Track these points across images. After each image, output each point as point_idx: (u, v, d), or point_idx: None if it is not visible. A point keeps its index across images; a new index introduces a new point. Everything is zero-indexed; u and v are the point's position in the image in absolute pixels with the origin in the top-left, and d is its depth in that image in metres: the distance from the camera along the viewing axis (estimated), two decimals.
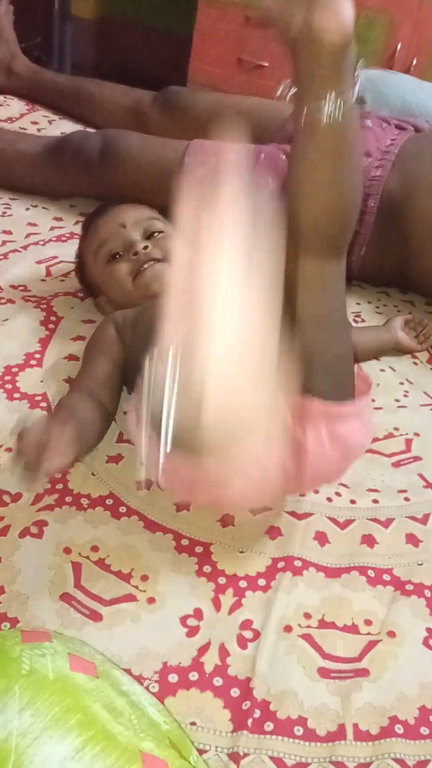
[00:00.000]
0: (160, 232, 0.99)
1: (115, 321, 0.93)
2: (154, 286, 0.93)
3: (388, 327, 1.12)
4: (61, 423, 0.66)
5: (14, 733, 0.38)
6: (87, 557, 0.73)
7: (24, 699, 0.40)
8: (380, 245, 1.22)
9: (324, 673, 0.66)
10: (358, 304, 1.24)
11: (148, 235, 0.98)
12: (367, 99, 1.44)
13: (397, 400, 1.01)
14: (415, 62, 2.26)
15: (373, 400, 0.97)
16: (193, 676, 0.65)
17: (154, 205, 1.27)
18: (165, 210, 1.26)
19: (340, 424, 0.70)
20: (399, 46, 2.27)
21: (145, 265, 0.95)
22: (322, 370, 0.69)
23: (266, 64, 2.48)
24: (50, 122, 1.68)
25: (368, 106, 1.44)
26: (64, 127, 1.66)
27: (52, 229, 1.30)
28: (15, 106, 1.72)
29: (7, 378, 0.93)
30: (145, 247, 0.96)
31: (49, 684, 0.41)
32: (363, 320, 1.20)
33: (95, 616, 0.68)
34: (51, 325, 1.04)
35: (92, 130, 1.51)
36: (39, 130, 1.63)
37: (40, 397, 0.91)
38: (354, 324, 1.18)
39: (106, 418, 0.83)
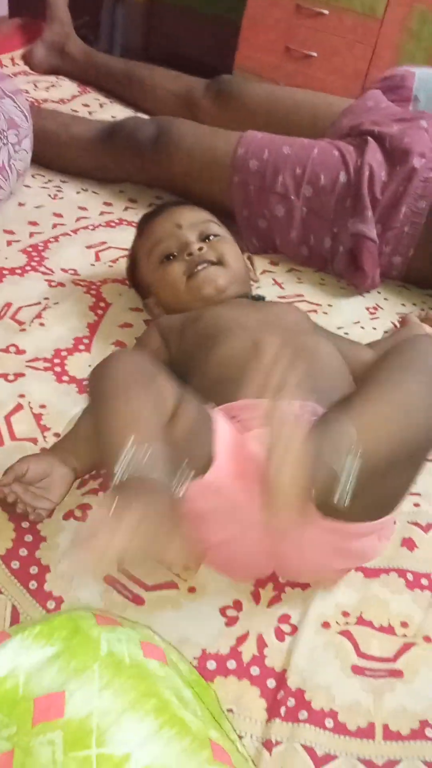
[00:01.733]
0: (215, 235, 0.99)
1: (161, 327, 0.94)
2: (207, 289, 0.93)
3: (413, 326, 1.09)
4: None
5: (95, 712, 0.40)
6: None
7: (103, 679, 0.42)
8: (429, 247, 1.22)
9: (358, 670, 0.67)
10: (403, 305, 1.24)
11: (204, 238, 0.98)
12: (421, 98, 1.43)
13: None
14: None
15: None
16: (231, 664, 0.66)
17: (204, 195, 1.29)
18: (215, 201, 1.27)
19: (351, 542, 0.69)
20: None
21: (199, 267, 0.94)
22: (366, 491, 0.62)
23: (315, 54, 2.46)
24: (101, 105, 1.69)
25: (421, 106, 1.43)
26: (115, 110, 1.67)
27: (101, 213, 1.31)
28: (67, 87, 1.73)
29: (57, 361, 0.95)
30: (200, 249, 0.95)
31: (125, 668, 0.43)
32: None
33: (137, 600, 0.70)
34: (100, 311, 1.06)
35: (144, 116, 1.52)
36: (90, 113, 1.64)
37: (87, 383, 0.92)
38: (398, 325, 1.18)
39: None
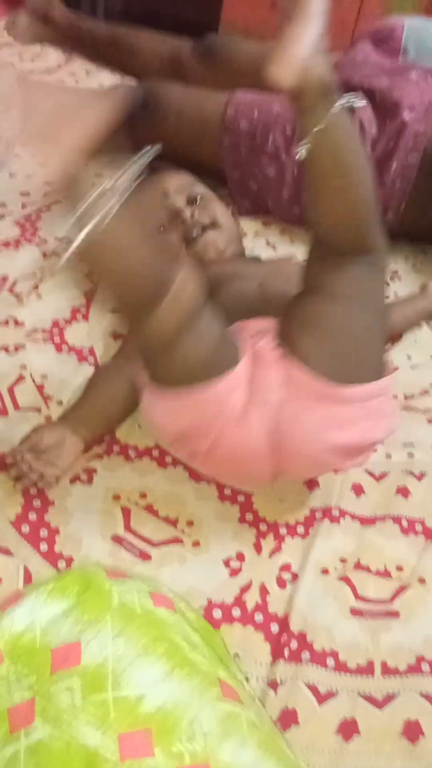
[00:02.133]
0: (202, 195, 0.99)
1: None
2: (209, 253, 0.95)
3: (426, 294, 1.11)
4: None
5: (110, 658, 0.43)
6: (136, 503, 0.77)
7: (116, 628, 0.44)
8: (420, 201, 1.22)
9: (356, 612, 0.71)
10: (395, 262, 1.24)
11: (191, 200, 0.99)
12: (410, 49, 1.41)
13: None
14: None
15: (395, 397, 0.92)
16: (236, 612, 0.70)
17: (195, 159, 1.29)
18: (206, 164, 1.27)
19: (342, 409, 0.68)
20: None
21: (195, 233, 0.95)
22: (328, 345, 0.67)
23: None
24: (87, 73, 1.67)
25: (411, 57, 1.41)
26: (102, 77, 1.65)
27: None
28: (52, 56, 1.71)
29: (55, 331, 0.97)
30: (192, 215, 0.96)
31: (137, 617, 0.46)
32: (399, 278, 1.21)
33: (144, 556, 0.73)
34: (96, 279, 1.07)
35: (131, 82, 1.50)
36: (76, 81, 1.63)
37: (87, 351, 0.94)
38: (390, 282, 1.19)
39: None
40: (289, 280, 0.89)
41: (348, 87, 1.28)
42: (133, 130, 1.33)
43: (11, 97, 1.20)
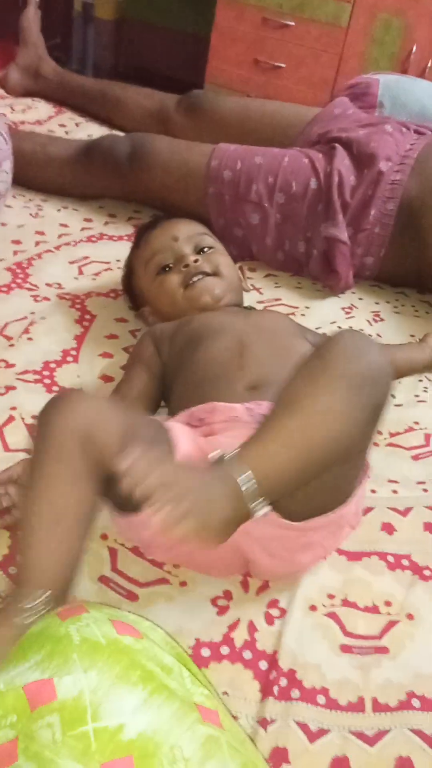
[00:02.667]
0: (210, 247, 1.03)
1: (153, 334, 0.97)
2: (204, 298, 0.97)
3: (423, 346, 1.11)
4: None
5: (85, 690, 0.43)
6: (122, 544, 0.77)
7: (85, 663, 0.44)
8: (399, 247, 1.27)
9: (346, 648, 0.71)
10: (377, 303, 1.28)
11: (199, 250, 1.02)
12: (385, 104, 1.48)
13: (416, 396, 1.06)
14: (429, 65, 2.30)
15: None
16: (224, 650, 0.69)
17: (181, 207, 1.33)
18: (192, 212, 1.32)
19: (309, 536, 0.71)
20: (414, 48, 2.30)
21: (195, 278, 0.98)
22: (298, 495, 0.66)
23: (283, 65, 2.52)
24: (77, 125, 1.74)
25: (387, 111, 1.48)
26: (91, 129, 1.71)
27: (82, 230, 1.35)
28: (42, 108, 1.78)
29: (46, 373, 0.98)
30: (196, 261, 0.99)
31: (103, 648, 0.46)
32: (382, 319, 1.25)
33: (131, 596, 0.73)
34: (86, 323, 1.09)
35: (119, 133, 1.56)
36: (66, 132, 1.69)
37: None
38: (373, 323, 1.23)
39: None
40: (273, 333, 0.92)
41: (326, 139, 1.35)
42: (121, 181, 1.38)
43: (3, 149, 1.25)
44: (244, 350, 0.86)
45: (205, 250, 1.02)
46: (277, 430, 0.62)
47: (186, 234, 1.03)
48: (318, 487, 0.66)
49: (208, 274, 0.99)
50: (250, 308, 1.06)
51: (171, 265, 1.00)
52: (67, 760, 0.42)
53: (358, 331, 0.72)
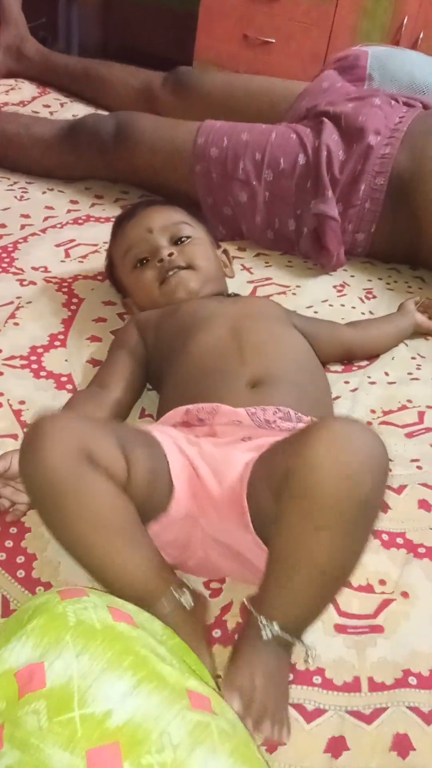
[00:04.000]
0: (187, 237, 1.00)
1: (138, 322, 0.96)
2: (180, 293, 0.95)
3: (404, 312, 1.12)
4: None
5: (75, 676, 0.42)
6: None
7: (78, 646, 0.44)
8: (390, 222, 1.25)
9: (341, 628, 0.70)
10: (369, 280, 1.27)
11: (175, 241, 0.99)
12: (375, 76, 1.45)
13: (410, 373, 1.04)
14: (421, 36, 2.26)
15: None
16: (217, 633, 0.69)
17: (168, 186, 1.31)
18: (179, 191, 1.29)
19: None
20: (405, 20, 2.26)
21: (170, 273, 0.96)
22: None
23: (272, 41, 2.48)
24: (62, 105, 1.70)
25: (376, 84, 1.45)
26: (76, 109, 1.68)
27: (68, 212, 1.33)
28: (26, 89, 1.74)
29: (33, 358, 0.97)
30: (171, 254, 0.97)
31: (97, 632, 0.45)
32: (374, 296, 1.23)
33: None
34: (73, 307, 1.08)
35: (104, 113, 1.53)
36: (51, 113, 1.65)
37: (65, 378, 0.95)
38: (366, 300, 1.21)
39: (117, 414, 0.86)
40: (265, 319, 0.91)
41: (314, 114, 1.32)
42: (106, 161, 1.36)
43: None
44: (241, 341, 0.85)
45: (183, 239, 0.99)
46: (298, 588, 0.60)
47: (161, 224, 1.00)
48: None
49: (183, 268, 0.97)
50: (235, 295, 1.04)
51: (147, 259, 0.98)
52: (52, 747, 0.41)
53: (335, 426, 0.59)
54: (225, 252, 1.08)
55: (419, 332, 1.13)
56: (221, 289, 1.02)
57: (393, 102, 1.31)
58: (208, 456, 0.71)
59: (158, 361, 0.90)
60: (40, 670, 0.44)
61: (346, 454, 0.57)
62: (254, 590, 0.64)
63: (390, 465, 0.87)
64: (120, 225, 1.05)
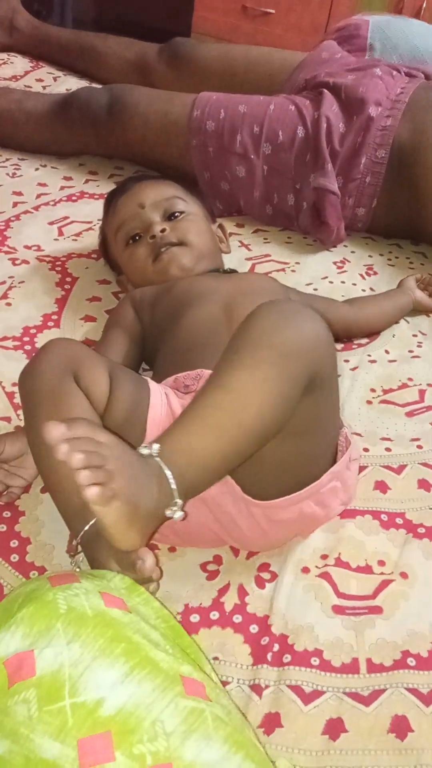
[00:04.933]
0: (180, 212, 0.97)
1: (134, 299, 0.94)
2: (173, 270, 0.93)
3: (404, 289, 1.10)
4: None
5: (66, 664, 0.41)
6: None
7: (69, 633, 0.43)
8: (391, 196, 1.22)
9: (339, 610, 0.69)
10: (370, 256, 1.24)
11: (168, 216, 0.97)
12: (376, 46, 1.41)
13: (410, 351, 1.03)
14: (425, 5, 2.20)
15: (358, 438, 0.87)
16: (214, 615, 0.68)
17: (163, 161, 1.28)
18: (175, 166, 1.27)
19: (287, 514, 0.68)
20: None
21: (163, 249, 0.94)
22: (269, 474, 0.66)
23: (272, 11, 2.42)
24: (55, 79, 1.67)
25: (377, 54, 1.41)
26: (70, 83, 1.64)
27: (62, 188, 1.30)
28: (19, 63, 1.70)
29: (26, 339, 0.95)
30: (163, 230, 0.94)
31: (89, 619, 0.44)
32: (375, 272, 1.21)
33: None
34: (66, 286, 1.06)
35: (98, 86, 1.49)
36: (44, 87, 1.62)
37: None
38: (366, 277, 1.19)
39: None
40: (260, 296, 0.87)
41: (314, 84, 1.28)
42: (100, 135, 1.33)
43: None
44: (232, 315, 0.83)
45: (176, 215, 0.97)
46: (201, 417, 0.57)
47: (153, 199, 0.97)
48: (276, 466, 0.63)
49: (175, 244, 0.94)
50: (232, 271, 1.01)
51: (140, 235, 0.96)
52: (42, 737, 0.40)
53: (285, 301, 0.68)
54: (221, 227, 1.06)
55: (419, 309, 1.11)
56: (217, 265, 1.00)
57: (394, 72, 1.27)
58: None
59: (153, 337, 0.89)
60: (30, 659, 0.43)
61: (289, 310, 0.62)
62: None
63: (390, 445, 0.86)
64: (112, 201, 1.02)
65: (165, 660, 0.44)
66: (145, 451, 0.55)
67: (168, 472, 0.54)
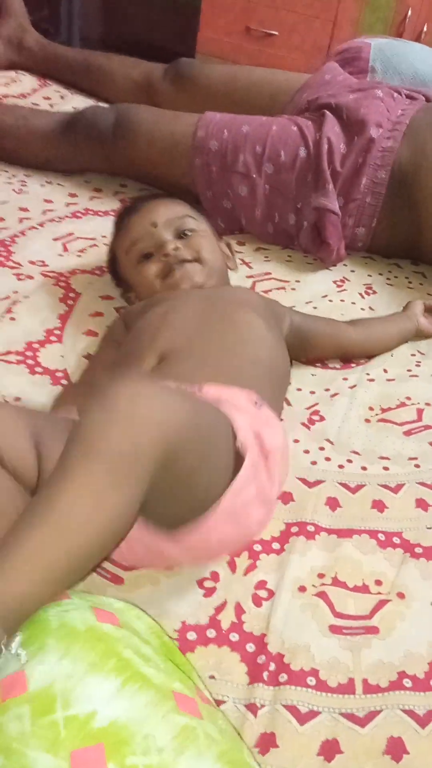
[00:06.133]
0: (192, 230, 0.99)
1: (126, 315, 0.96)
2: (184, 286, 0.94)
3: (410, 315, 1.10)
4: None
5: (58, 678, 0.41)
6: None
7: (60, 649, 0.43)
8: (391, 217, 1.23)
9: (335, 629, 0.69)
10: (369, 276, 1.25)
11: (180, 234, 0.98)
12: (377, 68, 1.44)
13: (409, 370, 1.03)
14: (425, 29, 2.24)
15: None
16: (211, 633, 0.68)
17: (167, 180, 1.30)
18: (178, 184, 1.28)
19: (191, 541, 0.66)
20: (410, 12, 2.24)
21: (176, 266, 0.95)
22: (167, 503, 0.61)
23: (275, 33, 2.45)
24: (62, 97, 1.69)
25: (379, 76, 1.43)
26: (76, 101, 1.66)
27: (67, 205, 1.32)
28: (27, 81, 1.73)
29: (29, 353, 0.96)
30: (176, 248, 0.95)
31: (80, 634, 0.44)
32: (374, 292, 1.22)
33: (117, 580, 0.71)
34: (70, 301, 1.07)
35: (104, 105, 1.52)
36: (51, 105, 1.64)
37: (61, 373, 0.94)
38: (365, 296, 1.20)
39: None
40: (218, 309, 0.87)
41: (316, 106, 1.30)
42: (105, 153, 1.34)
43: None
44: (165, 318, 0.84)
45: (187, 233, 0.98)
46: (21, 552, 0.48)
47: (165, 218, 0.99)
48: (167, 505, 0.60)
49: (188, 261, 0.96)
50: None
51: (152, 253, 0.97)
52: (36, 750, 0.40)
53: (130, 381, 0.57)
54: (228, 245, 1.07)
55: (420, 336, 1.10)
56: (224, 282, 1.01)
57: (395, 94, 1.29)
58: None
59: None
60: (22, 677, 0.43)
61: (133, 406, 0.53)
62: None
63: (387, 464, 0.87)
64: (123, 219, 1.03)
65: (157, 676, 0.44)
66: None
67: None
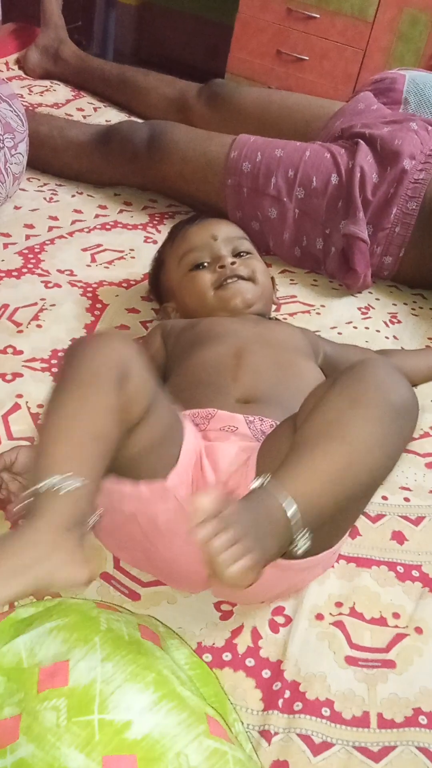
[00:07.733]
0: (248, 252, 1.00)
1: (164, 328, 0.96)
2: (235, 301, 0.95)
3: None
4: None
5: (98, 680, 0.41)
6: None
7: (104, 651, 0.43)
8: (420, 247, 1.24)
9: (352, 661, 0.69)
10: (394, 305, 1.26)
11: (236, 254, 0.99)
12: (411, 101, 1.45)
13: None
14: None
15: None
16: (227, 656, 0.68)
17: (197, 197, 1.31)
18: (208, 203, 1.29)
19: (300, 574, 0.70)
20: None
21: (230, 280, 0.95)
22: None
23: (306, 58, 2.48)
24: (95, 109, 1.71)
25: (412, 108, 1.45)
26: (109, 114, 1.68)
27: (96, 216, 1.33)
28: (61, 91, 1.75)
29: (54, 361, 0.96)
30: (233, 263, 0.96)
31: (125, 643, 0.44)
32: (399, 321, 1.22)
33: (134, 596, 0.71)
34: (96, 312, 1.07)
35: (138, 120, 1.53)
36: (84, 116, 1.66)
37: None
38: (390, 324, 1.20)
39: None
40: (276, 349, 0.88)
41: (349, 134, 1.32)
42: (138, 168, 1.36)
43: (19, 131, 1.22)
44: (240, 360, 0.84)
45: (243, 254, 1.00)
46: (319, 457, 0.58)
47: (225, 235, 1.01)
48: (322, 529, 0.62)
49: (243, 278, 0.97)
50: (271, 319, 1.03)
51: (206, 264, 0.98)
52: (68, 747, 0.41)
53: (386, 360, 0.70)
54: (272, 279, 1.07)
55: None
56: (266, 310, 1.01)
57: (429, 128, 1.30)
58: (207, 449, 0.71)
59: (169, 368, 0.90)
60: (65, 668, 0.43)
61: (395, 375, 0.63)
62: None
63: (408, 495, 0.86)
64: (181, 229, 1.04)
65: (191, 698, 0.44)
66: (258, 483, 0.57)
67: (292, 505, 0.56)
